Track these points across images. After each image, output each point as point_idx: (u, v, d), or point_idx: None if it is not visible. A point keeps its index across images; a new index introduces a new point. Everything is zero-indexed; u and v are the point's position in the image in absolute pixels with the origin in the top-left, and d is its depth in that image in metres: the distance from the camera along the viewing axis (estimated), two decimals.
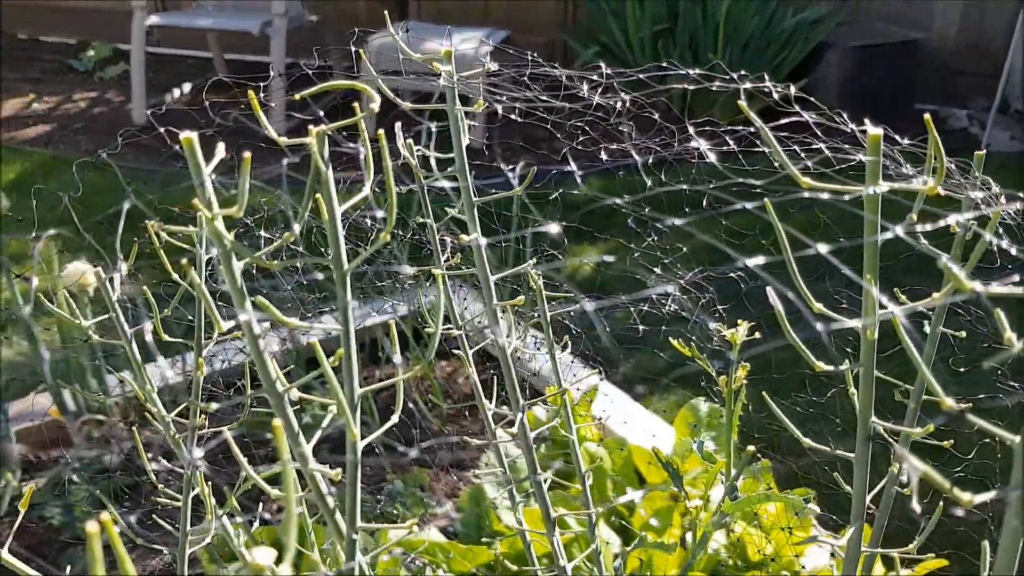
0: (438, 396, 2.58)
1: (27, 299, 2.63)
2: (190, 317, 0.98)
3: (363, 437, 0.56)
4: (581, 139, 0.98)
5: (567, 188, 1.11)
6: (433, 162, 0.82)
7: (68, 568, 1.89)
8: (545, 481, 0.79)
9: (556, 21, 4.91)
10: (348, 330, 0.54)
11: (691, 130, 0.69)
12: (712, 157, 0.62)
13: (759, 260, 0.56)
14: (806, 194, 0.56)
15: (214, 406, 0.72)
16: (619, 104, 0.89)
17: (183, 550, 0.74)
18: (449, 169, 0.79)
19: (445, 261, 0.87)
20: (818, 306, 0.59)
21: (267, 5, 4.46)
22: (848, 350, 0.81)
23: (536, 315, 0.92)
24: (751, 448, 0.95)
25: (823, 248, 0.52)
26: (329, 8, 5.03)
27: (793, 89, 0.63)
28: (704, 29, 4.05)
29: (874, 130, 0.50)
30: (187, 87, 4.95)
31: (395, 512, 2.14)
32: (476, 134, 3.80)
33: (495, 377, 1.01)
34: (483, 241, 0.73)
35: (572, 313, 1.07)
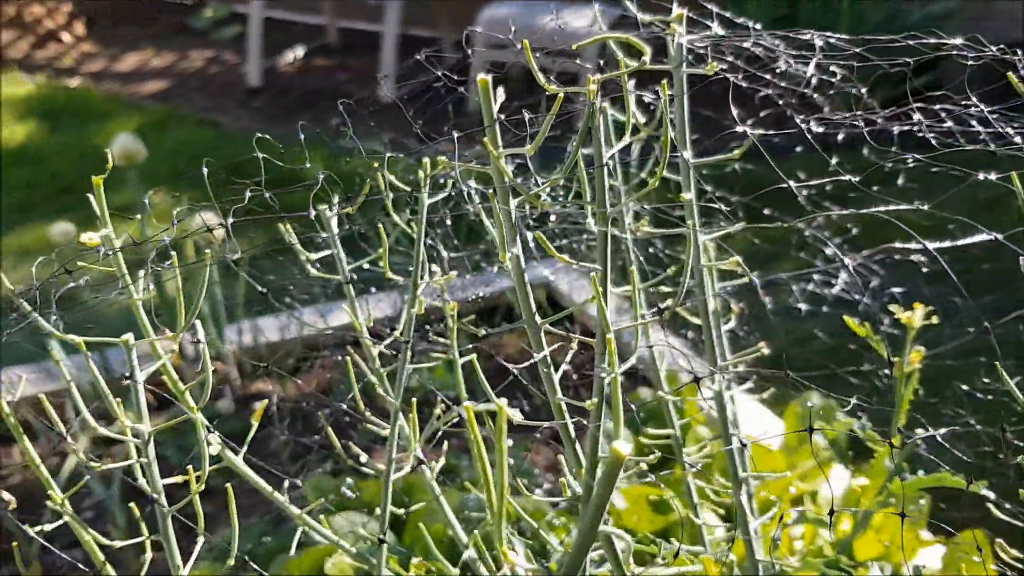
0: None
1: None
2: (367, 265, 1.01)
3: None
4: (763, 114, 0.98)
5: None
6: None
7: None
8: (745, 445, 0.81)
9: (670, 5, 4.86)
10: (606, 271, 0.56)
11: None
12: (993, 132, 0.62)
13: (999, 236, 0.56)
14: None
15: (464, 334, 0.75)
16: (812, 78, 0.89)
17: (387, 482, 0.78)
18: (636, 136, 0.80)
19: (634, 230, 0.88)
20: None
21: None
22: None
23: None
24: (919, 432, 0.95)
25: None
26: None
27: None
28: (825, 19, 3.98)
29: None
30: (300, 52, 5.05)
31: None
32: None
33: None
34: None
35: (729, 290, 1.08)
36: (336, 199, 0.85)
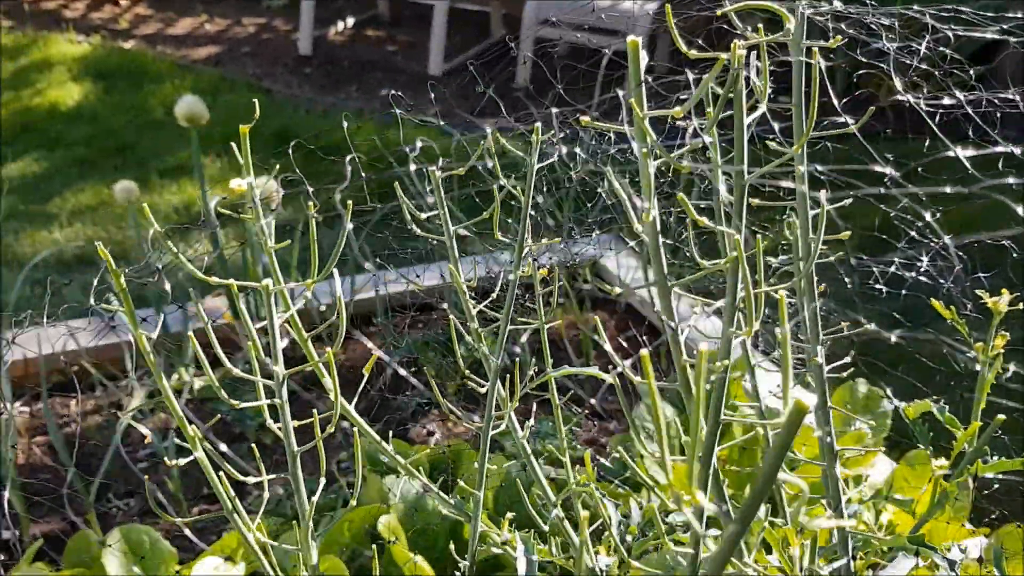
0: (588, 348, 2.62)
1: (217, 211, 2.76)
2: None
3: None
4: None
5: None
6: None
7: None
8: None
9: None
10: (740, 239, 0.57)
11: None
12: None
13: None
14: None
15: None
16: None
17: (486, 437, 0.80)
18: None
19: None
20: None
21: None
22: None
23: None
24: (1000, 417, 0.96)
25: None
26: None
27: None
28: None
29: None
30: (350, 21, 5.07)
31: (542, 450, 2.19)
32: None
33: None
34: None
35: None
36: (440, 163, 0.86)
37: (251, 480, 0.64)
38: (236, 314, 2.55)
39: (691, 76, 0.71)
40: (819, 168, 0.88)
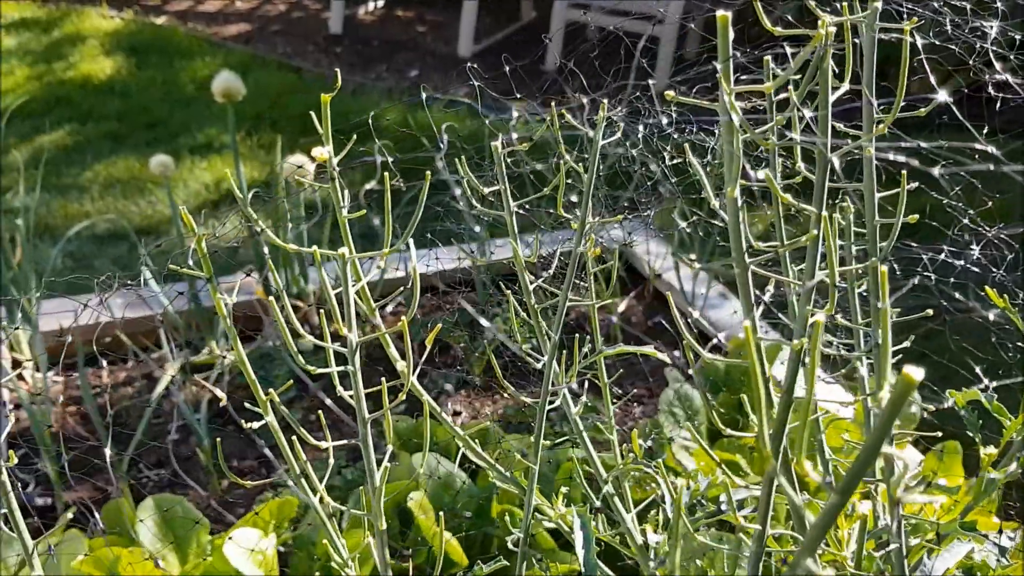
0: (616, 330, 2.62)
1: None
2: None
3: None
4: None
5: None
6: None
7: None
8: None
9: None
10: (821, 212, 0.57)
11: None
12: None
13: None
14: None
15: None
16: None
17: (542, 412, 0.80)
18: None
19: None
20: None
21: None
22: None
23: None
24: None
25: None
26: None
27: None
28: None
29: None
30: (381, 1, 5.06)
31: (564, 432, 2.20)
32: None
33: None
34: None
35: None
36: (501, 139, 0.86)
37: (324, 445, 0.65)
38: (268, 291, 2.57)
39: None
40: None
